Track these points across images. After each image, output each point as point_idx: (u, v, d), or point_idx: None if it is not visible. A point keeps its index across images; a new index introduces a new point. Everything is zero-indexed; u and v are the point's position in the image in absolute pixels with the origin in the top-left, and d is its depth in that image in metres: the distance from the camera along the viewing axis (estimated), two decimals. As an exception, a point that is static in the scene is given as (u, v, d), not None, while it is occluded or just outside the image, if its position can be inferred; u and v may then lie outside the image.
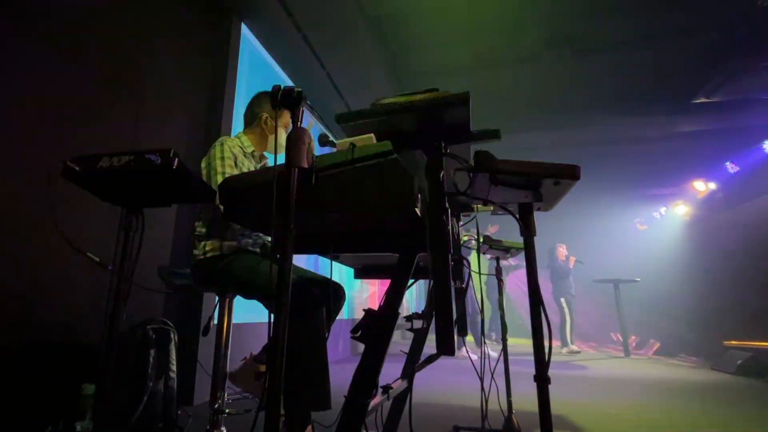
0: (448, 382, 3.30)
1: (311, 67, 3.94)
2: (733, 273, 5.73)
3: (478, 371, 1.50)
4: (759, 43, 4.06)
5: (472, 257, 1.71)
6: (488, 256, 2.08)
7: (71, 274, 1.78)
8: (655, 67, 4.64)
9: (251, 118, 1.74)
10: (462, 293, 1.45)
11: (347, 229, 1.00)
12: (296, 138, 0.76)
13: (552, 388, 0.85)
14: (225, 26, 3.00)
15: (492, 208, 1.10)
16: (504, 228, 5.08)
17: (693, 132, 5.70)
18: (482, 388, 1.53)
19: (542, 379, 0.89)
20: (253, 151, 1.69)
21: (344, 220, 0.94)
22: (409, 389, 1.44)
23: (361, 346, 0.87)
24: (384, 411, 1.41)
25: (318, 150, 2.26)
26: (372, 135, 0.95)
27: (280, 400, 0.66)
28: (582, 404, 2.60)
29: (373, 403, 0.86)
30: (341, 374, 1.40)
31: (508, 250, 1.96)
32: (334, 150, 0.93)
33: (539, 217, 1.00)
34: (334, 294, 1.57)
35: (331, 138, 1.15)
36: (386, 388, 1.08)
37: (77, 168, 0.91)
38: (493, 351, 3.84)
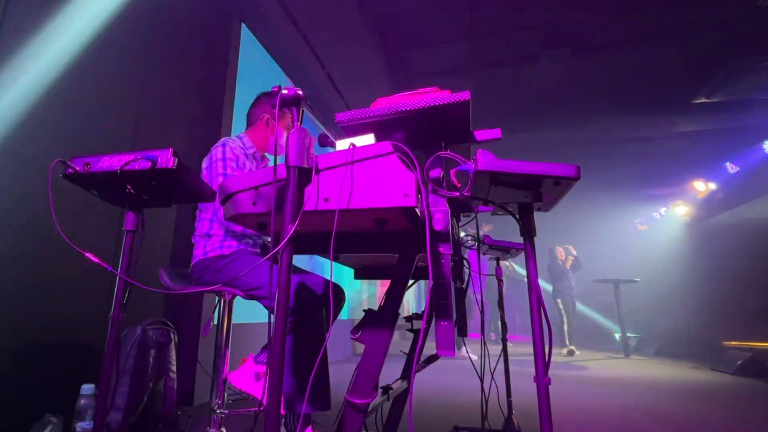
0: (448, 382, 3.30)
1: (311, 67, 3.94)
2: (733, 273, 5.73)
3: (478, 371, 1.50)
4: (759, 43, 4.06)
5: None
6: (488, 256, 2.08)
7: (71, 275, 1.79)
8: (655, 67, 4.64)
9: (253, 119, 1.75)
10: (462, 293, 1.45)
11: (347, 229, 1.00)
12: (297, 138, 0.76)
13: (552, 388, 0.85)
14: (225, 26, 3.00)
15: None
16: (499, 228, 5.06)
17: (693, 132, 5.70)
18: (482, 389, 1.53)
19: (542, 380, 0.89)
20: (255, 151, 1.70)
21: (344, 220, 0.94)
22: (409, 389, 1.43)
23: (361, 346, 0.87)
24: (384, 411, 1.41)
25: (318, 150, 2.26)
26: (372, 135, 0.95)
27: (280, 400, 0.66)
28: (582, 404, 2.60)
29: (373, 403, 0.86)
30: (341, 374, 1.40)
31: (508, 251, 1.96)
32: (334, 150, 0.93)
33: (539, 217, 1.00)
34: (335, 294, 1.57)
35: (331, 138, 1.15)
36: (386, 388, 1.08)
37: (77, 168, 0.91)
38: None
